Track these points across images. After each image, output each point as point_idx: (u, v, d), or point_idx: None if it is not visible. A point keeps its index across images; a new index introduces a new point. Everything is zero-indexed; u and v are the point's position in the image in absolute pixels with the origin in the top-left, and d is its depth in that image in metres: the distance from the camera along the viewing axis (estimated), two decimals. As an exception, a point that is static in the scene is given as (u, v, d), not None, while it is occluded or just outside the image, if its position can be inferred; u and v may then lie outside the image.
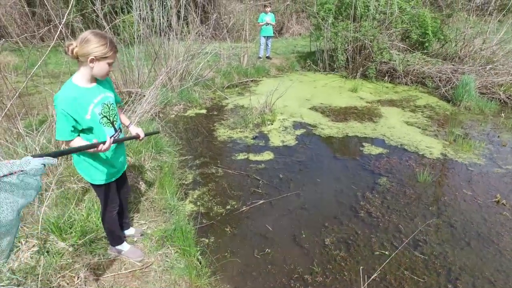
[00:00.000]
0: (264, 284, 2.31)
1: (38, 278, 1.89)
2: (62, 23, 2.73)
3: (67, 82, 1.72)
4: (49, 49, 2.80)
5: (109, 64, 1.71)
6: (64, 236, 2.29)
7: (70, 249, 2.22)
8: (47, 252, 2.13)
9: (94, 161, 1.86)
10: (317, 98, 6.53)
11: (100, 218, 2.28)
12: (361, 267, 2.42)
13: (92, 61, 1.64)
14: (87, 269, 2.10)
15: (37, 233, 2.18)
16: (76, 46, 1.61)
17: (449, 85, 6.73)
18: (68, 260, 2.13)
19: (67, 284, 1.95)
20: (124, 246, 2.29)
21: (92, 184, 1.96)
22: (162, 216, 2.83)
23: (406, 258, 2.54)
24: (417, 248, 2.64)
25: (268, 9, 8.79)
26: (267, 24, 8.73)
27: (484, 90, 6.48)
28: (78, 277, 2.00)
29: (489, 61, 7.16)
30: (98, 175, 1.91)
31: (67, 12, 2.81)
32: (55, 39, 2.82)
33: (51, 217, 2.34)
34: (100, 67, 1.68)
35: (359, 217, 3.03)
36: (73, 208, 2.50)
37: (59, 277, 1.97)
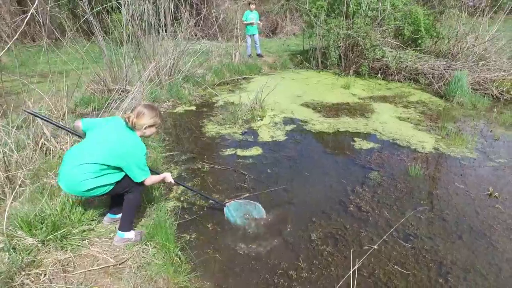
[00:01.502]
0: (247, 280, 2.19)
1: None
2: (31, 12, 2.59)
3: (135, 136, 2.18)
4: (12, 38, 2.66)
5: (156, 128, 2.28)
6: (34, 231, 2.15)
7: (39, 245, 2.09)
8: (13, 249, 2.00)
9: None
10: (309, 95, 6.43)
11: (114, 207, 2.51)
12: (348, 262, 2.32)
13: (146, 128, 2.20)
14: (56, 266, 1.97)
15: (2, 228, 2.05)
16: (134, 118, 2.13)
17: (442, 81, 6.67)
18: (36, 257, 2.00)
19: (32, 282, 1.82)
20: (132, 233, 2.34)
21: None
22: (142, 211, 2.71)
23: (396, 252, 2.43)
24: (407, 242, 2.53)
25: (253, 6, 8.70)
26: (253, 22, 8.66)
27: (477, 86, 6.42)
28: (45, 274, 1.87)
29: (482, 57, 7.11)
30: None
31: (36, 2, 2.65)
32: (22, 29, 2.68)
33: (21, 212, 2.20)
34: (151, 131, 2.27)
35: (348, 211, 2.92)
36: (46, 202, 2.36)
37: (24, 274, 1.84)
